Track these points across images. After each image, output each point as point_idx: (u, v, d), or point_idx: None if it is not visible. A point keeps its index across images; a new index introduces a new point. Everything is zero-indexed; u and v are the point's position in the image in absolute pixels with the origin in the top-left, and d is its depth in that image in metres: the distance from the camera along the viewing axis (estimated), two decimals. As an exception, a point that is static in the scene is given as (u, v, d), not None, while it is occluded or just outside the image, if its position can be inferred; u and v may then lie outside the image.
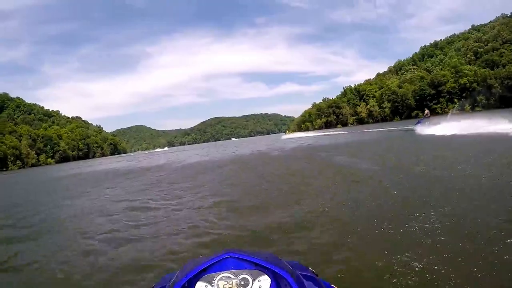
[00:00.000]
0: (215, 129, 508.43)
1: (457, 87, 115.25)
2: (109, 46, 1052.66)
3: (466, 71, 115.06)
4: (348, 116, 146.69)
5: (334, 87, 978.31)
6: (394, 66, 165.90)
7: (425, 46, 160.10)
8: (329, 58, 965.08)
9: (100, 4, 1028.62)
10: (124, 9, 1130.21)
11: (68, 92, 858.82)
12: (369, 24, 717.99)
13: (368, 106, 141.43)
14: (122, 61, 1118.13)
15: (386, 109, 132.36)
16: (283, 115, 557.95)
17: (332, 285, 1.86)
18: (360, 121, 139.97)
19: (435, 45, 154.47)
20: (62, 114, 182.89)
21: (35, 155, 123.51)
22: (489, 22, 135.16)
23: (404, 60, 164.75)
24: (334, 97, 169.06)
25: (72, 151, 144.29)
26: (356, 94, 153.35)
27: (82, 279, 5.89)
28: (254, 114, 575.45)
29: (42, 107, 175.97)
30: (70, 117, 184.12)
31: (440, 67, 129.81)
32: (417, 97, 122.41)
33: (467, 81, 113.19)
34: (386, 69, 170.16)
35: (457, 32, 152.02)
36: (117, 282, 5.56)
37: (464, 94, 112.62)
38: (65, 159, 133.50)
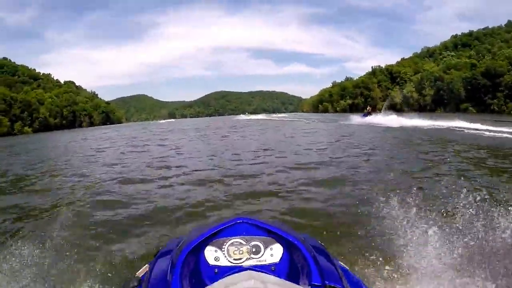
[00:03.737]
0: (219, 103, 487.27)
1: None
2: (117, 14, 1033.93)
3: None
4: (377, 100, 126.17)
5: (343, 71, 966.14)
6: (421, 52, 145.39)
7: (456, 35, 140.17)
8: (341, 41, 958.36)
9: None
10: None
11: (72, 59, 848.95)
12: (385, 11, 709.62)
13: (405, 91, 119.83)
14: (130, 30, 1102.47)
15: (427, 97, 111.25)
16: (290, 94, 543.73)
17: (340, 262, 1.88)
18: (392, 108, 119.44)
19: (470, 34, 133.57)
20: (54, 78, 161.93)
21: (8, 123, 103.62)
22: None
23: (431, 47, 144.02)
24: (356, 78, 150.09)
25: (55, 119, 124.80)
26: (388, 75, 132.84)
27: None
28: (261, 91, 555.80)
29: (29, 68, 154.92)
30: (63, 81, 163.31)
31: (489, 56, 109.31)
32: (469, 87, 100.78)
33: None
34: (398, 58, 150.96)
35: (490, 26, 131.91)
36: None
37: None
38: (45, 127, 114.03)
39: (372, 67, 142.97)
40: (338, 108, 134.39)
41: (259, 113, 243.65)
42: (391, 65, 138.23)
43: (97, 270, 4.39)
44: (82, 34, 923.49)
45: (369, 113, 47.88)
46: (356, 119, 43.27)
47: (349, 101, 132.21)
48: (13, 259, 3.97)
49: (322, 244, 1.99)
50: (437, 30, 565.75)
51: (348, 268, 1.88)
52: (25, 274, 3.82)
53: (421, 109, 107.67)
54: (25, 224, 6.96)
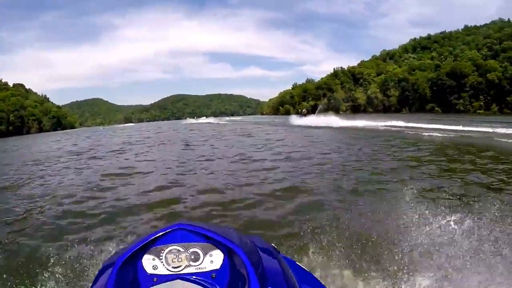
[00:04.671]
0: (176, 107, 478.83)
1: (483, 82, 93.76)
2: (72, 14, 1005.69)
3: (491, 66, 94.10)
4: (341, 101, 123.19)
5: (300, 75, 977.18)
6: (381, 55, 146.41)
7: (415, 38, 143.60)
8: (298, 46, 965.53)
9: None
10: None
11: (25, 61, 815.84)
12: (341, 18, 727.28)
13: (369, 92, 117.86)
14: (86, 31, 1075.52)
15: (392, 98, 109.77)
16: (248, 97, 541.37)
17: (294, 260, 1.92)
18: (356, 109, 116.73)
19: (428, 38, 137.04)
20: (3, 81, 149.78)
21: None
22: (484, 24, 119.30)
23: (391, 50, 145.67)
24: (318, 79, 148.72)
25: (0, 125, 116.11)
26: (350, 77, 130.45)
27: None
28: (219, 94, 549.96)
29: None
30: (12, 84, 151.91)
31: (452, 58, 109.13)
32: (434, 88, 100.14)
33: (495, 77, 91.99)
34: (355, 62, 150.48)
35: (447, 30, 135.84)
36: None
37: (491, 92, 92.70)
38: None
39: (334, 68, 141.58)
40: (300, 110, 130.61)
41: (217, 116, 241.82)
42: (353, 67, 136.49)
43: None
44: (35, 35, 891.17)
45: (304, 115, 56.55)
46: (295, 120, 49.96)
47: (312, 103, 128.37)
48: None
49: (274, 246, 1.95)
50: (392, 35, 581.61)
51: (306, 269, 1.89)
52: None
53: (385, 110, 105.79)
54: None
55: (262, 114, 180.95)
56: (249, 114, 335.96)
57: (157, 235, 1.57)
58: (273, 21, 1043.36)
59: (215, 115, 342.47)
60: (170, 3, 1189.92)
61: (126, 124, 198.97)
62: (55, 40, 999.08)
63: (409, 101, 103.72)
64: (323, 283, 1.67)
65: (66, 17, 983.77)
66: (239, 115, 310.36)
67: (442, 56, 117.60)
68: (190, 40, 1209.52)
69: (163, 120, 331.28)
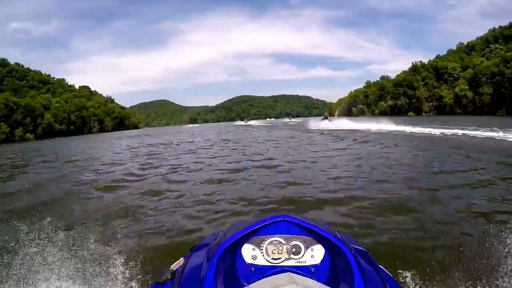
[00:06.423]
0: (241, 108, 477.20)
1: None
2: (141, 22, 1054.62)
3: None
4: (423, 101, 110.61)
5: (367, 75, 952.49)
6: (458, 48, 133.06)
7: (494, 28, 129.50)
8: (363, 44, 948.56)
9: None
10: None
11: (97, 66, 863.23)
12: (407, 12, 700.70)
13: (456, 89, 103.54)
14: (154, 37, 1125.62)
15: (485, 97, 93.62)
16: (314, 98, 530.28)
17: (383, 268, 1.84)
18: (441, 110, 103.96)
19: (510, 26, 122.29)
20: (68, 83, 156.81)
21: (7, 128, 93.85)
22: None
23: (470, 41, 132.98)
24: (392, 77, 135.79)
25: (60, 125, 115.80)
26: (432, 72, 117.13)
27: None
28: (284, 95, 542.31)
29: (41, 73, 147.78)
30: (78, 86, 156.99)
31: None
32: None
33: None
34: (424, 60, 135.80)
35: None
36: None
37: None
38: (50, 133, 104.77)
39: (412, 62, 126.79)
40: (376, 111, 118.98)
41: (280, 118, 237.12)
42: (435, 61, 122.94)
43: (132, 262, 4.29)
44: (107, 43, 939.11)
45: (326, 118, 59.61)
46: (318, 124, 48.28)
47: (390, 103, 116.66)
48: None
49: (365, 247, 1.89)
50: (462, 29, 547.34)
51: (390, 275, 1.83)
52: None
53: (477, 111, 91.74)
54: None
55: (330, 115, 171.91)
56: (315, 115, 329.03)
57: (260, 226, 1.54)
58: (336, 20, 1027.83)
59: (280, 116, 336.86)
60: (233, 7, 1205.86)
61: (190, 125, 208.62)
62: (125, 46, 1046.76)
63: (506, 100, 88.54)
64: None
65: (136, 24, 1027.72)
66: (304, 117, 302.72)
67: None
68: (254, 42, 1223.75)
69: (228, 121, 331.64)
